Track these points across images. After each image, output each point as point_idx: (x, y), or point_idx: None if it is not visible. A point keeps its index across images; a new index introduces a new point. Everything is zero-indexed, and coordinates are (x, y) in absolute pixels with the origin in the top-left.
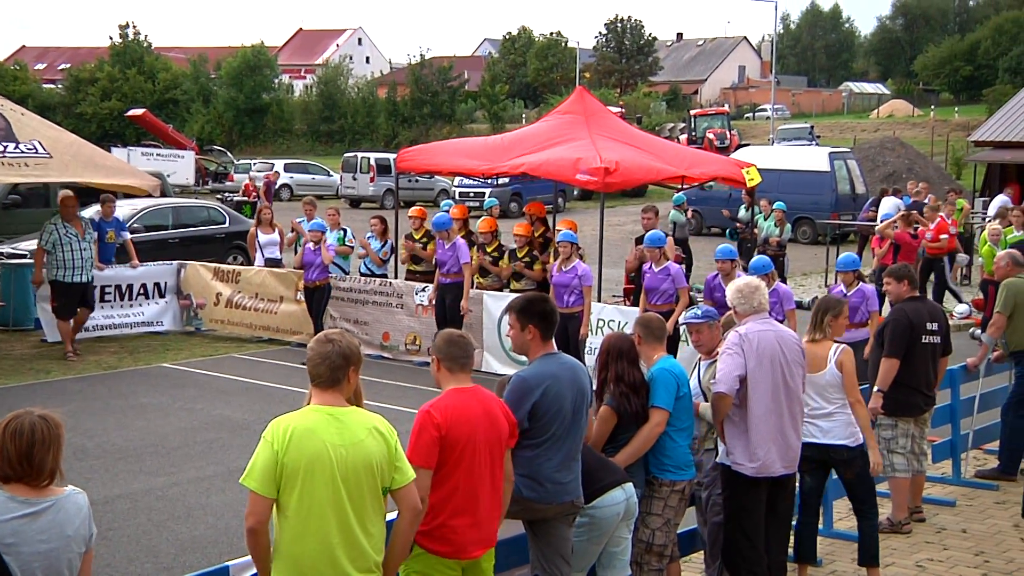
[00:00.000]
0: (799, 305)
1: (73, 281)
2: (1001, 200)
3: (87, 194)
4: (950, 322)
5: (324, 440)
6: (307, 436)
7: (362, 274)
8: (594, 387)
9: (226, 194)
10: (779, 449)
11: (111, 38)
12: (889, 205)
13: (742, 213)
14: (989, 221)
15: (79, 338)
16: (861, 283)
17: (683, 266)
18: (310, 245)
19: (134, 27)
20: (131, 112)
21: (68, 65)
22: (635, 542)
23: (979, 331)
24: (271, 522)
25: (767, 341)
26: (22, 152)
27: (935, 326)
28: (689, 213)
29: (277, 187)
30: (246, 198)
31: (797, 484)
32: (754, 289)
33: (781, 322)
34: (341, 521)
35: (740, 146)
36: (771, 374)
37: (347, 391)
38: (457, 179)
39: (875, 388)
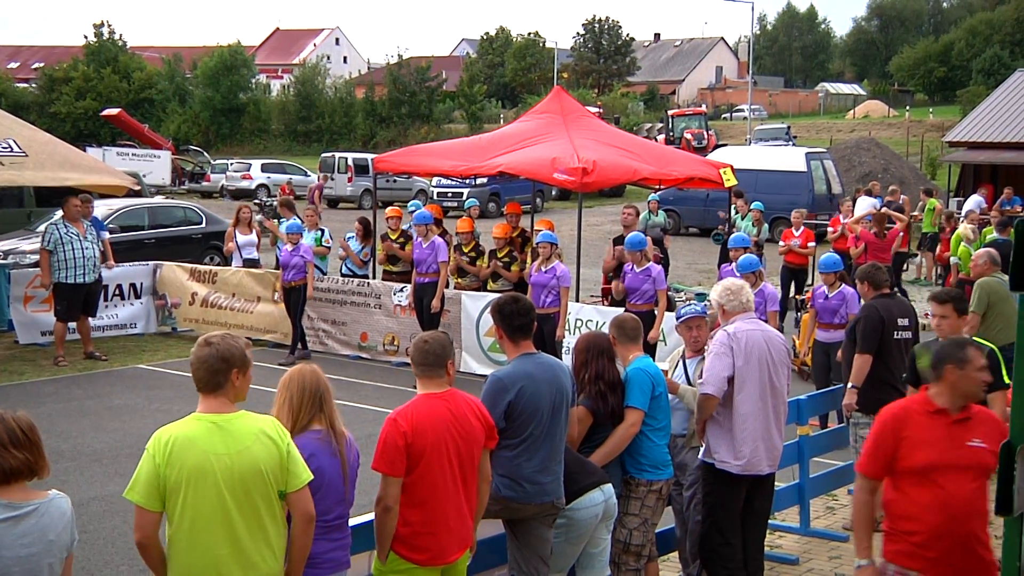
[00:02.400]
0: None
1: (77, 281)
2: (975, 200)
3: (62, 194)
4: (925, 321)
5: (206, 450)
6: (188, 446)
7: (343, 275)
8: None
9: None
10: (765, 448)
11: (86, 37)
12: (866, 205)
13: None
14: (962, 221)
15: (48, 341)
16: (843, 285)
17: (660, 266)
18: (287, 246)
19: (109, 26)
20: (106, 112)
21: (42, 64)
22: (613, 542)
23: None
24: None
25: (755, 340)
26: None
27: (906, 321)
28: (652, 207)
29: (254, 187)
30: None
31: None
32: (740, 288)
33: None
34: (229, 532)
35: (717, 146)
36: (759, 373)
37: (233, 395)
38: (435, 179)
39: (849, 384)
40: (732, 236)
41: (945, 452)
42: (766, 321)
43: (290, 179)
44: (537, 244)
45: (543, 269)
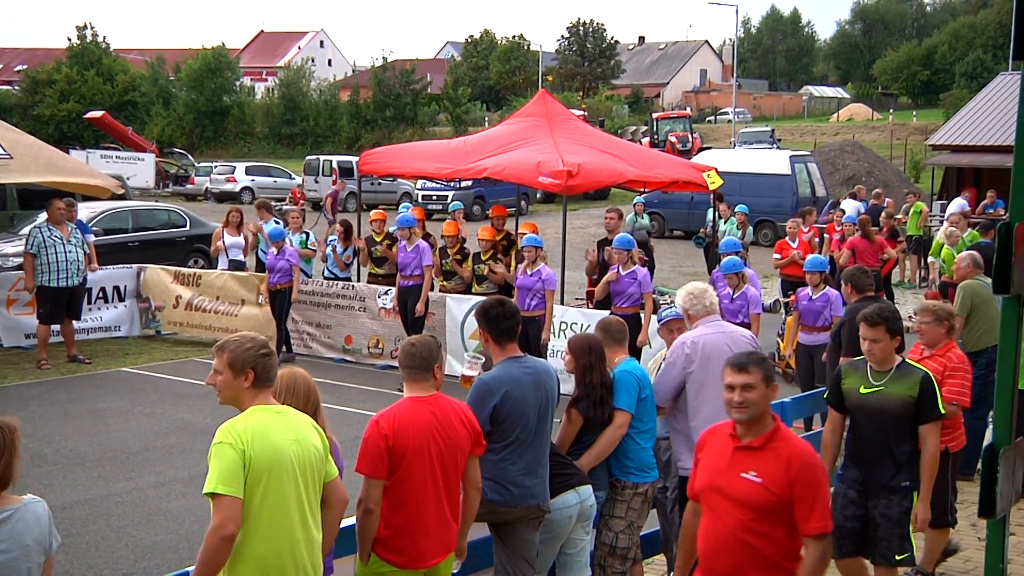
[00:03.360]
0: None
1: (60, 286)
2: (958, 204)
3: (45, 197)
4: (910, 324)
5: (282, 436)
6: (266, 433)
7: (325, 278)
8: (573, 390)
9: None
10: None
11: (69, 39)
12: (850, 208)
13: (710, 216)
14: (946, 221)
15: (31, 344)
16: (827, 287)
17: (646, 269)
18: (272, 250)
19: (92, 28)
20: (90, 114)
21: (25, 66)
22: (598, 545)
23: None
24: None
25: (715, 344)
26: None
27: None
28: (638, 209)
29: (238, 190)
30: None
31: None
32: (703, 291)
33: (747, 326)
34: (302, 517)
35: (702, 149)
36: (719, 377)
37: None
38: (420, 182)
39: None
40: (723, 241)
41: (717, 478)
42: (748, 325)
43: (301, 183)
44: (522, 248)
45: (528, 272)
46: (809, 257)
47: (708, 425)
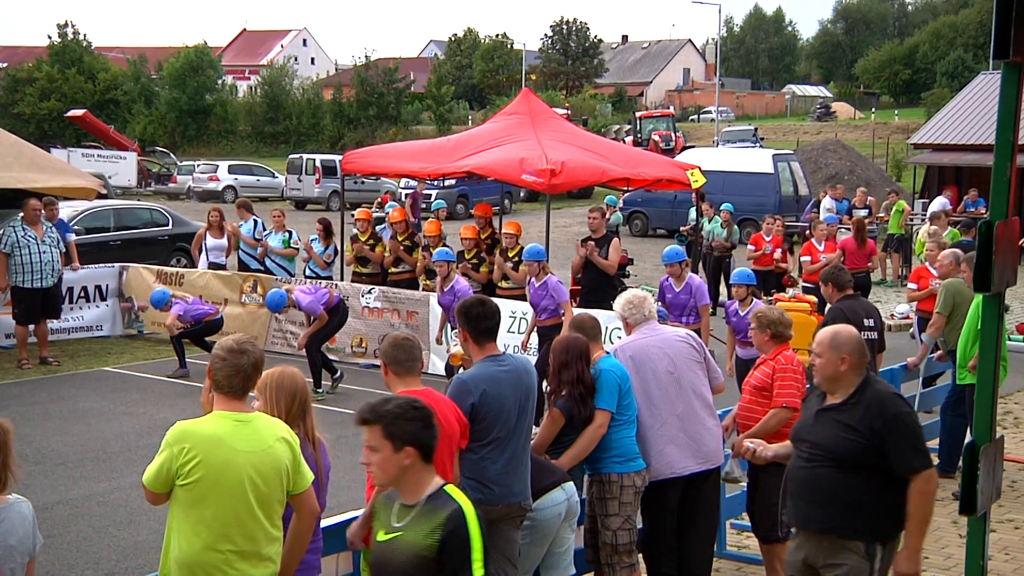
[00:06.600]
0: None
1: (33, 287)
2: (940, 202)
3: (27, 196)
4: (891, 321)
5: (234, 446)
6: (216, 443)
7: (307, 277)
8: (548, 388)
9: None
10: (681, 449)
11: (49, 37)
12: (828, 206)
13: (692, 215)
14: (924, 221)
15: (11, 344)
16: (755, 300)
17: (557, 277)
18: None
19: (73, 26)
20: (71, 113)
21: (5, 64)
22: (600, 546)
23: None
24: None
25: (645, 349)
26: None
27: (871, 322)
28: (607, 210)
29: (221, 188)
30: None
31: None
32: (642, 300)
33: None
34: (245, 528)
35: (685, 148)
36: (654, 383)
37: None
38: (403, 181)
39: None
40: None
41: None
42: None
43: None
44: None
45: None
46: (737, 269)
47: (643, 431)
